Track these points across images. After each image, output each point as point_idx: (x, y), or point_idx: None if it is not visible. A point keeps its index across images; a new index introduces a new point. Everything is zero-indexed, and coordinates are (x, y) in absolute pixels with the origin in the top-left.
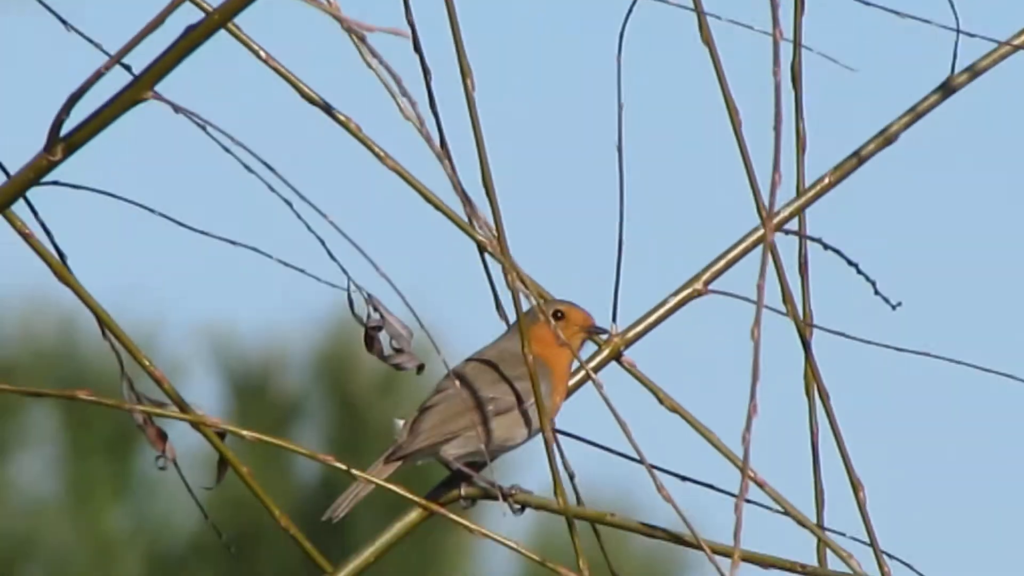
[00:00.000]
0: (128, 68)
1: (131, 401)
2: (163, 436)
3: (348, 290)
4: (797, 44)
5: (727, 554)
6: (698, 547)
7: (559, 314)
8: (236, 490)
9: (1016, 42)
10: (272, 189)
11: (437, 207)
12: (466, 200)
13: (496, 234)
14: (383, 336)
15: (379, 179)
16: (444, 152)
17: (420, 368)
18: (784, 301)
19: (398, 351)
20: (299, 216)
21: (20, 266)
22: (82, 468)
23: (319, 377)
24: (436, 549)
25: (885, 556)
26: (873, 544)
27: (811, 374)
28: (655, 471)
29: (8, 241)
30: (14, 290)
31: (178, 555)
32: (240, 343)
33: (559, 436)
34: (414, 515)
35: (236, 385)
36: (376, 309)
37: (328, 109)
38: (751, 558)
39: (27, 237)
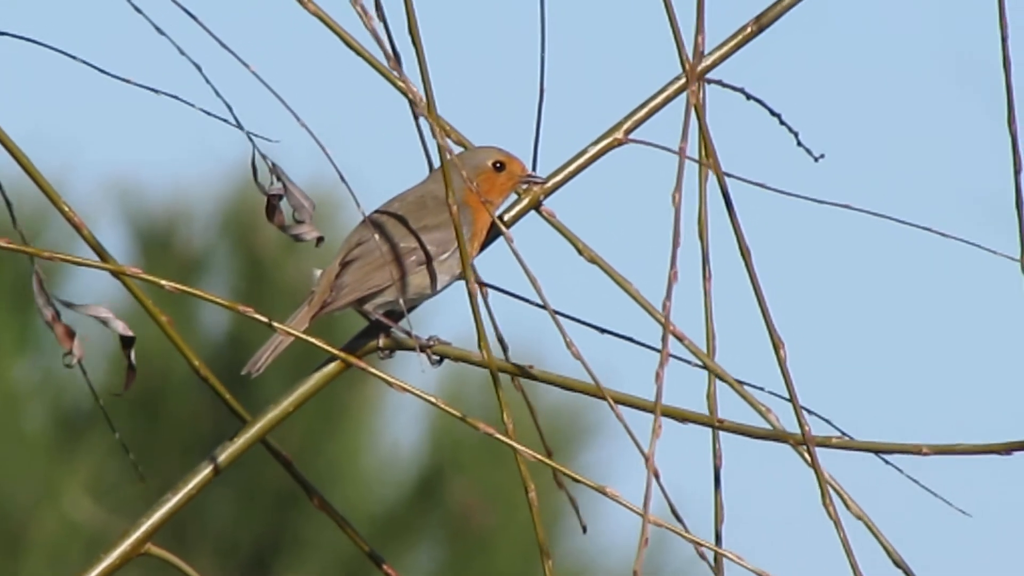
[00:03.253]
0: None
1: (36, 275)
2: (71, 334)
3: (252, 158)
4: None
5: (646, 408)
6: (605, 399)
7: (499, 165)
8: (141, 347)
9: None
10: (182, 53)
11: (359, 53)
12: (393, 53)
13: (423, 85)
14: (284, 205)
15: (302, 27)
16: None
17: (319, 240)
18: (706, 154)
19: (299, 222)
20: (207, 80)
21: None
22: None
23: (225, 232)
24: (341, 406)
25: (805, 412)
26: (792, 399)
27: (704, 221)
28: (575, 324)
29: None
30: None
31: (85, 410)
32: (145, 197)
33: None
34: (332, 366)
35: (142, 239)
36: (279, 178)
37: None
38: (669, 412)
39: None
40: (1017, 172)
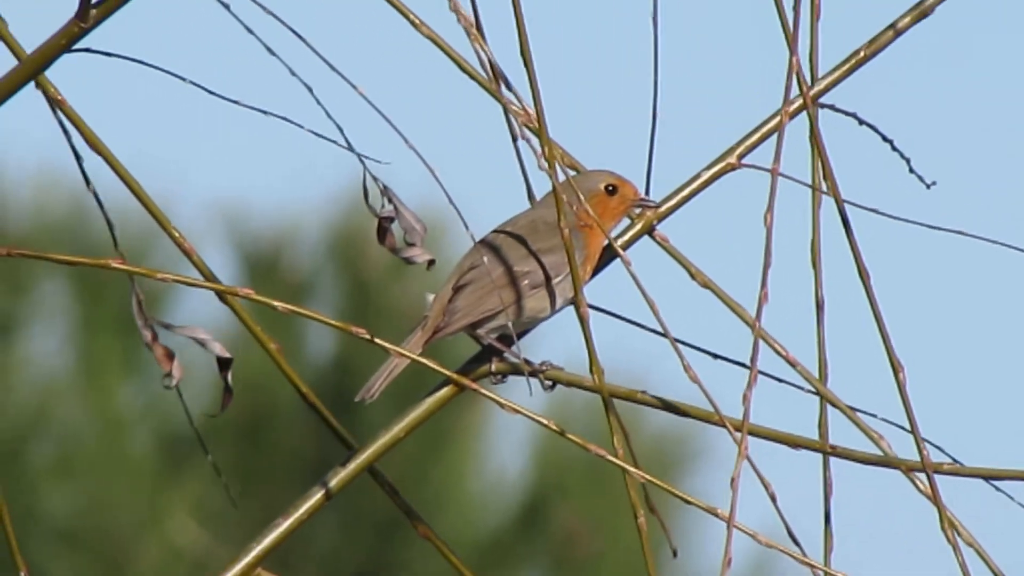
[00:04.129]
0: None
1: (135, 296)
2: (171, 355)
3: (364, 180)
4: None
5: (759, 435)
6: (724, 426)
7: (612, 188)
8: (248, 371)
9: None
10: (293, 73)
11: (472, 76)
12: (499, 76)
13: (535, 108)
14: (395, 228)
15: (412, 49)
16: (477, 26)
17: (431, 263)
18: (824, 177)
19: (410, 244)
20: (318, 102)
21: (31, 139)
22: (92, 345)
23: (331, 255)
24: (446, 431)
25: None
26: (912, 425)
27: (817, 245)
28: (686, 348)
29: (23, 113)
30: (26, 163)
31: (190, 434)
32: (252, 220)
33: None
34: (444, 391)
35: (248, 262)
36: (390, 200)
37: None
38: (781, 438)
39: (59, 104)
40: None
